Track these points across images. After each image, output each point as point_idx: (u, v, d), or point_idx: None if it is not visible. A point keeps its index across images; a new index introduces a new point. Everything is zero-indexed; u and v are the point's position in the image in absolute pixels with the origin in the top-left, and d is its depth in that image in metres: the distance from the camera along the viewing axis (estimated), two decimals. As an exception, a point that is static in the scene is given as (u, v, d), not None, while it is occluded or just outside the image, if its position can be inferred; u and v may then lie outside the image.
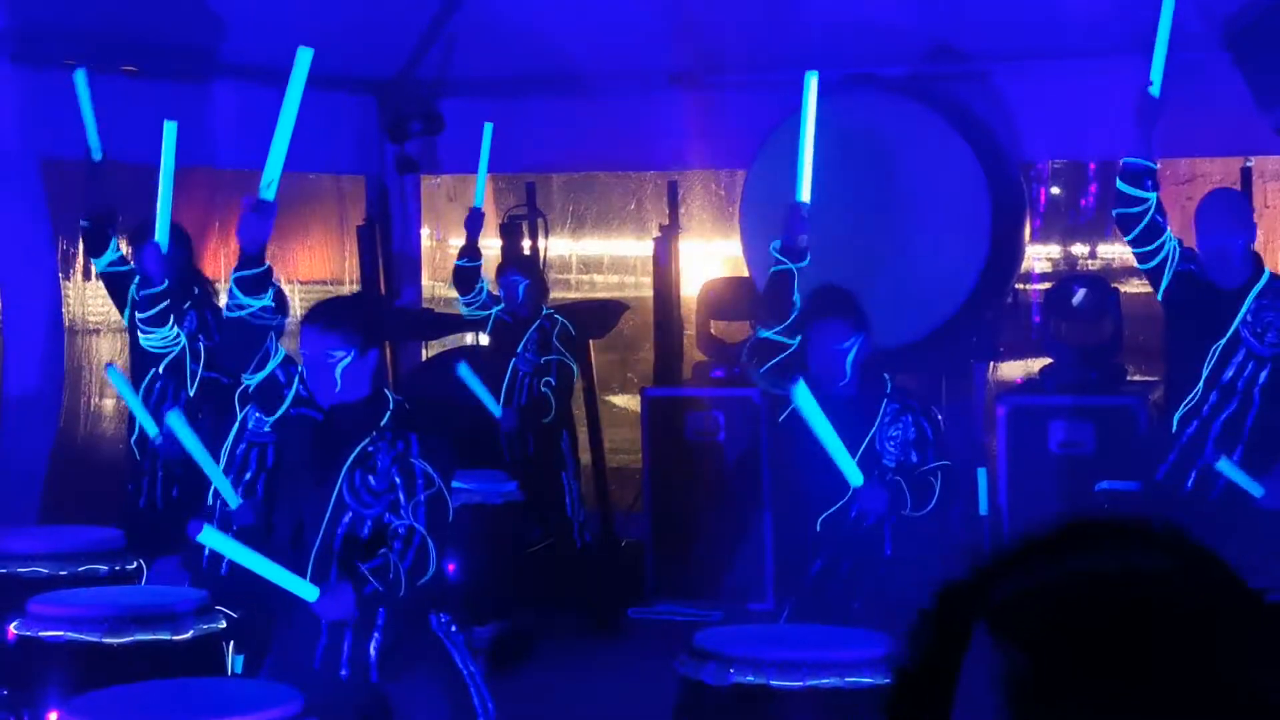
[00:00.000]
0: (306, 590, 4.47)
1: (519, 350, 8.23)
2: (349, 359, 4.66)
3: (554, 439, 8.26)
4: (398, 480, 4.62)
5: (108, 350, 8.30)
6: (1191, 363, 5.86)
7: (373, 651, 4.67)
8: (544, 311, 8.33)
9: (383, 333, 5.18)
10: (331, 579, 4.57)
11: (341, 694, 4.59)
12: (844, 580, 5.57)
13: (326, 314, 4.80)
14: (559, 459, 8.27)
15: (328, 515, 4.66)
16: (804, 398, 5.30)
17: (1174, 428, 5.87)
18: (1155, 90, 5.82)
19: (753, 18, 8.58)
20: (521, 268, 8.46)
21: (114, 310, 7.46)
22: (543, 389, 8.17)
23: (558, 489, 8.24)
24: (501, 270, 8.48)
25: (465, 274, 8.40)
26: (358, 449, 4.66)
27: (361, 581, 4.48)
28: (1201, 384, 5.80)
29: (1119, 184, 5.91)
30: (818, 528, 5.62)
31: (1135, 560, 0.97)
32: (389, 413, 4.70)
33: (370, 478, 4.64)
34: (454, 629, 4.74)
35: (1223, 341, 5.81)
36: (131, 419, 6.79)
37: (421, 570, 4.57)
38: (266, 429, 5.58)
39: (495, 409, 7.96)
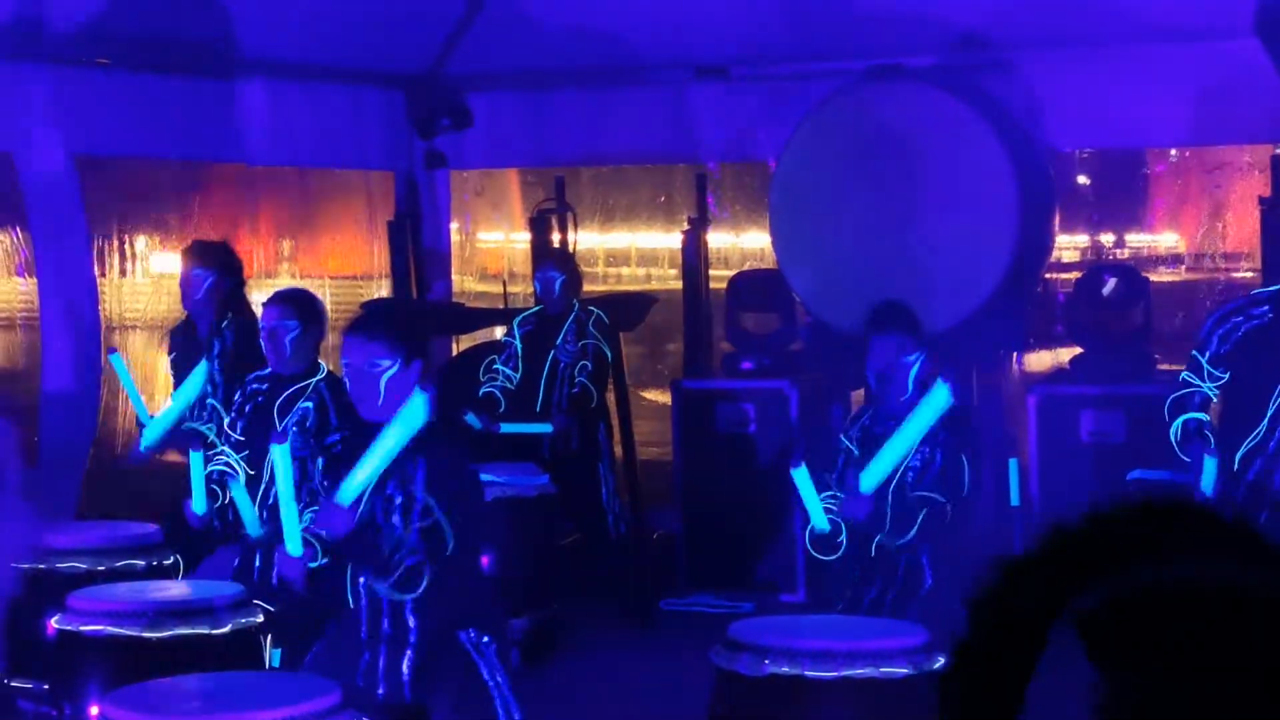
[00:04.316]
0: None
1: (558, 343, 8.23)
2: (394, 369, 4.62)
3: (591, 430, 8.29)
4: (398, 501, 4.62)
5: (144, 346, 8.35)
6: (1258, 400, 5.53)
7: (405, 669, 4.68)
8: (575, 306, 8.34)
9: (425, 344, 5.18)
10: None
11: (383, 711, 4.60)
12: (889, 609, 5.60)
13: (371, 323, 4.78)
14: (595, 450, 8.29)
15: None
16: (801, 478, 5.42)
17: (1236, 466, 5.56)
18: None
19: (780, 9, 8.59)
20: (557, 263, 8.49)
21: (150, 306, 7.49)
22: (579, 377, 8.19)
23: (594, 480, 8.27)
24: (537, 265, 8.50)
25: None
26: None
27: (366, 531, 4.53)
28: (1266, 421, 5.50)
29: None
30: (872, 552, 5.66)
31: (1236, 572, 0.91)
32: (424, 428, 4.65)
33: (393, 496, 4.67)
34: (485, 640, 4.73)
35: None
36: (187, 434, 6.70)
37: (410, 586, 4.56)
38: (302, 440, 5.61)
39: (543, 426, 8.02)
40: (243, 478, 5.79)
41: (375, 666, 4.67)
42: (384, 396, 4.63)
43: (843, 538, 5.51)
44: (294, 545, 4.68)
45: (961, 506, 5.65)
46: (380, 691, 4.67)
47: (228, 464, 5.85)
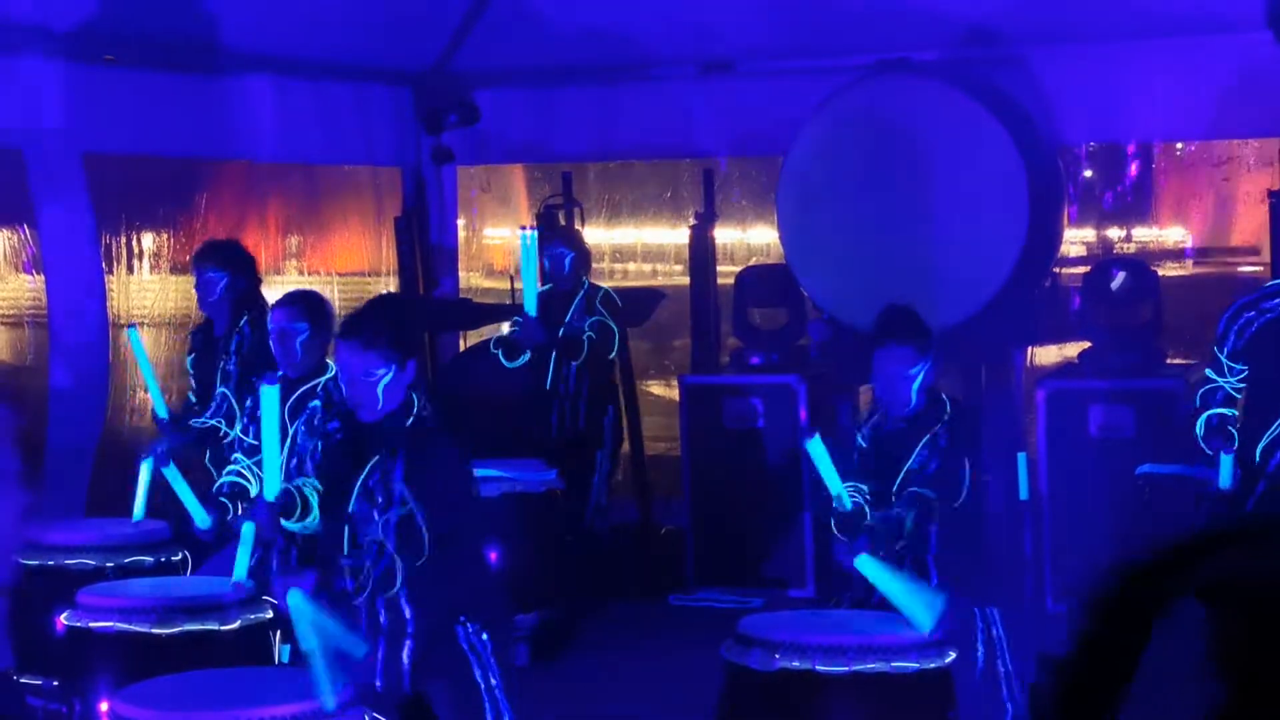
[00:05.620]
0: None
1: (566, 319, 8.25)
2: (390, 375, 4.62)
3: (598, 415, 8.32)
4: (378, 498, 4.63)
5: (152, 343, 8.34)
6: (1275, 393, 5.52)
7: (405, 660, 4.68)
8: (585, 283, 8.40)
9: (419, 339, 5.17)
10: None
11: (381, 704, 4.60)
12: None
13: (365, 330, 4.68)
14: (598, 436, 8.31)
15: (346, 531, 4.71)
16: (816, 450, 5.22)
17: (1257, 458, 5.54)
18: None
19: (786, 5, 8.58)
20: (567, 240, 8.53)
21: (158, 303, 7.49)
22: (584, 336, 8.23)
23: (590, 466, 8.27)
24: (546, 242, 8.46)
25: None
26: (369, 465, 4.67)
27: (331, 572, 4.58)
28: None
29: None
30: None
31: None
32: (410, 422, 4.67)
33: (374, 490, 4.67)
34: (484, 637, 4.72)
35: None
36: (199, 438, 6.65)
37: (387, 584, 4.60)
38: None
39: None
40: (256, 490, 5.78)
41: (373, 660, 4.68)
42: (382, 401, 4.64)
43: (869, 519, 5.31)
44: (272, 487, 4.78)
45: (961, 509, 5.52)
46: (379, 685, 4.67)
47: (242, 474, 5.82)
